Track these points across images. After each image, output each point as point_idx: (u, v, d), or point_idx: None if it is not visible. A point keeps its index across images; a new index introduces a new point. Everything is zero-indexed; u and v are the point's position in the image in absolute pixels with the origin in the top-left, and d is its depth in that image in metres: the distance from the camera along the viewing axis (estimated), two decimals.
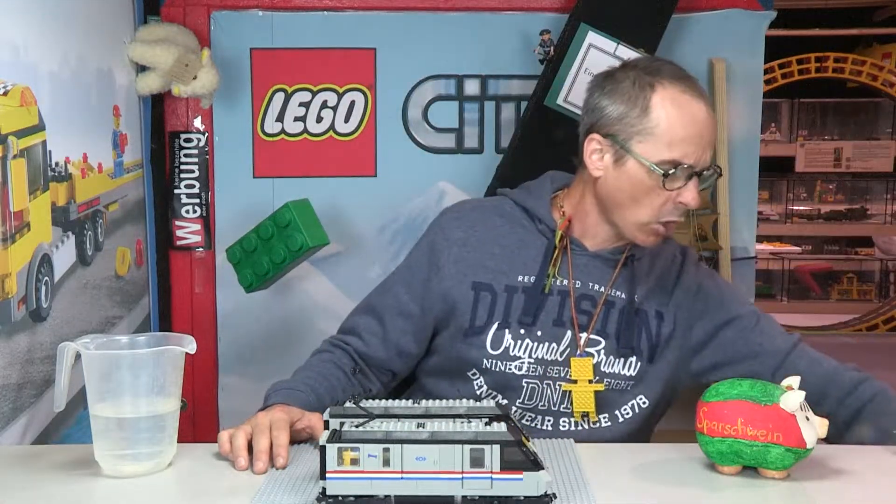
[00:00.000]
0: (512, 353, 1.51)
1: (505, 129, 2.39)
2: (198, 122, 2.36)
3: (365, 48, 2.35)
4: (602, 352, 1.52)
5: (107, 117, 1.96)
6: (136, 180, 2.18)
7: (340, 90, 2.37)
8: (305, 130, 2.38)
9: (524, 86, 2.36)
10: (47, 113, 1.59)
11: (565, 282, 1.53)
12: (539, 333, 1.51)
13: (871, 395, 1.47)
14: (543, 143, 2.21)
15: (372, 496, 1.02)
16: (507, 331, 1.51)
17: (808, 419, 1.15)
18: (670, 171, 1.41)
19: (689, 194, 1.43)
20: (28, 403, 1.48)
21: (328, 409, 1.10)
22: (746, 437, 1.15)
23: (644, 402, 1.53)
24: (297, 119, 2.37)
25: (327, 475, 1.02)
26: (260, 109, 2.36)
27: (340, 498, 1.02)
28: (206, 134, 2.36)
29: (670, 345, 1.55)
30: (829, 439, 1.31)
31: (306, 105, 2.37)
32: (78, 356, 1.21)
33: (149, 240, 2.28)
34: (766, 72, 4.61)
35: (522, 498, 1.01)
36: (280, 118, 2.37)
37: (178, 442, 1.25)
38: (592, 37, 2.19)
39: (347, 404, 1.12)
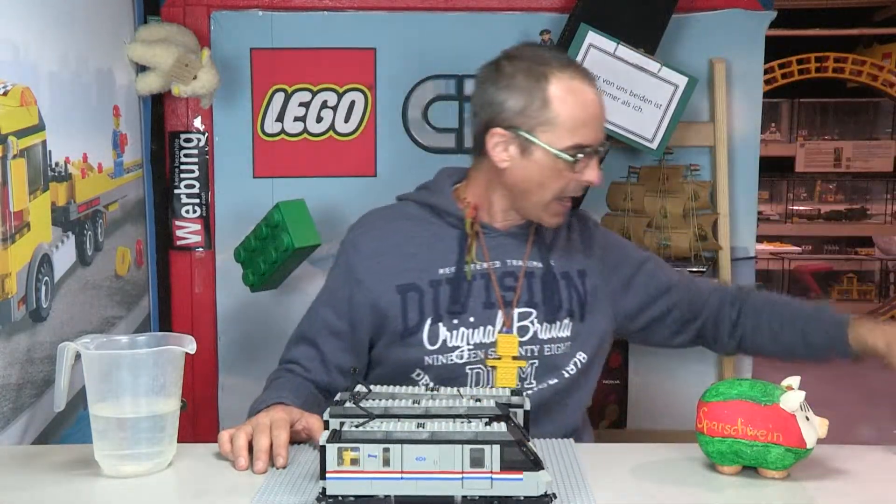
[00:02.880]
0: (450, 345, 1.54)
1: None
2: (198, 122, 2.36)
3: (365, 48, 2.35)
4: (535, 321, 1.56)
5: (107, 117, 1.96)
6: (136, 180, 2.18)
7: (340, 90, 2.37)
8: (305, 130, 2.38)
9: None
10: (47, 113, 1.59)
11: (484, 265, 1.57)
12: (472, 319, 1.55)
13: (749, 290, 1.71)
14: None
15: (372, 496, 1.02)
16: (440, 324, 1.54)
17: (808, 419, 1.15)
18: (578, 156, 1.49)
19: (593, 172, 1.52)
20: (28, 403, 1.48)
21: (328, 409, 1.11)
22: (746, 437, 1.15)
23: (583, 357, 1.59)
24: (297, 119, 2.37)
25: (327, 475, 1.02)
26: (260, 109, 2.36)
27: (340, 498, 1.02)
28: (206, 134, 2.36)
29: (598, 298, 1.62)
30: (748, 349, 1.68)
31: (306, 105, 2.37)
32: (78, 356, 1.21)
33: (149, 240, 2.28)
34: (766, 72, 4.62)
35: (522, 498, 1.01)
36: (280, 118, 2.37)
37: (178, 442, 1.25)
38: (592, 37, 2.19)
39: (347, 404, 1.12)
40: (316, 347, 1.59)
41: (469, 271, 1.56)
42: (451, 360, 1.53)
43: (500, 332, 1.55)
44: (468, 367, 1.54)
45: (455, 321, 1.54)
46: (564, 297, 1.58)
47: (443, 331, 1.54)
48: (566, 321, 1.58)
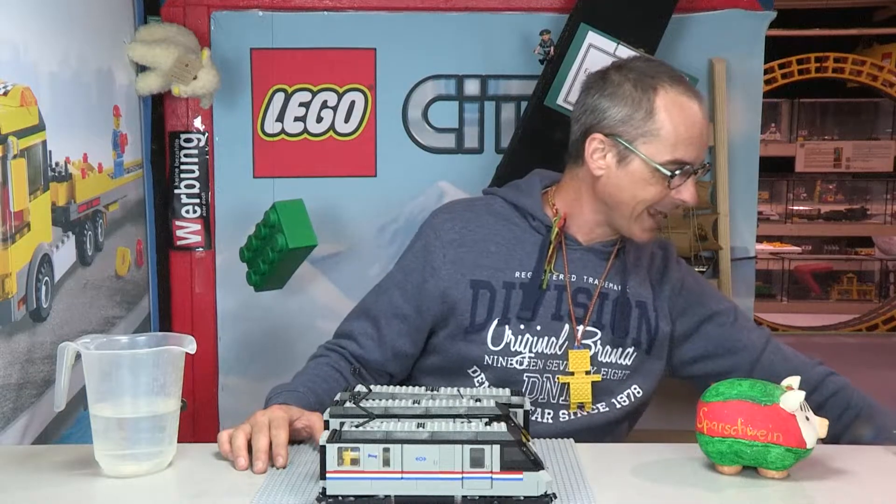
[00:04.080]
0: (513, 349, 1.53)
1: (505, 129, 2.39)
2: (198, 122, 2.36)
3: (365, 48, 2.35)
4: (599, 342, 1.55)
5: (107, 117, 1.96)
6: (136, 180, 2.18)
7: (340, 90, 2.37)
8: (305, 130, 2.38)
9: (524, 86, 2.36)
10: (47, 113, 1.59)
11: (561, 276, 1.56)
12: (538, 328, 1.54)
13: (835, 390, 1.59)
14: (543, 143, 2.21)
15: (372, 496, 1.02)
16: (507, 327, 1.53)
17: (807, 419, 1.15)
18: (676, 172, 1.47)
19: (688, 192, 1.49)
20: (28, 403, 1.48)
21: (328, 409, 1.11)
22: (746, 437, 1.15)
23: (639, 392, 1.58)
24: (297, 119, 2.37)
25: (327, 475, 1.02)
26: (260, 109, 2.36)
27: (340, 498, 1.02)
28: (206, 134, 2.36)
29: (662, 336, 1.60)
30: None
31: (306, 105, 2.37)
32: (78, 356, 1.21)
33: (149, 240, 2.28)
34: (766, 72, 4.62)
35: (522, 498, 1.01)
36: (280, 118, 2.37)
37: (178, 442, 1.24)
38: (592, 37, 2.19)
39: (347, 404, 1.12)
40: (377, 327, 1.58)
41: (546, 280, 1.54)
42: (511, 364, 1.53)
43: (562, 345, 1.53)
44: (526, 374, 1.53)
45: (522, 326, 1.53)
46: (633, 325, 1.56)
47: (508, 334, 1.53)
48: (630, 350, 1.56)
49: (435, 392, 1.20)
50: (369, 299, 1.64)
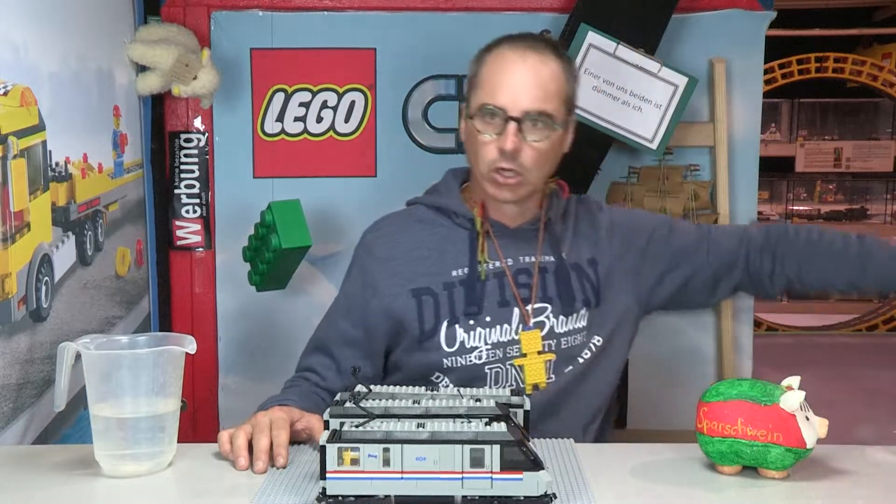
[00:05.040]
0: (468, 346, 1.54)
1: None
2: (198, 122, 2.36)
3: (365, 48, 2.35)
4: (551, 315, 1.56)
5: (107, 117, 1.96)
6: (136, 180, 2.18)
7: (340, 90, 2.37)
8: (305, 130, 2.38)
9: None
10: (47, 113, 1.59)
11: (497, 263, 1.57)
12: (488, 319, 1.54)
13: (778, 235, 1.63)
14: None
15: (372, 496, 1.02)
16: (457, 326, 1.54)
17: (808, 419, 1.15)
18: (481, 114, 1.48)
19: (504, 139, 1.46)
20: (28, 403, 1.48)
21: (328, 409, 1.11)
22: (746, 437, 1.15)
23: (598, 341, 1.58)
24: (297, 119, 2.37)
25: (327, 475, 1.02)
26: (260, 109, 2.36)
27: (340, 498, 1.02)
28: (206, 134, 2.36)
29: (614, 280, 1.60)
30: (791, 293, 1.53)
31: (306, 105, 2.37)
32: (78, 356, 1.21)
33: (149, 240, 2.28)
34: (766, 72, 4.62)
35: (522, 498, 1.01)
36: (280, 118, 2.37)
37: (178, 442, 1.25)
38: (592, 37, 2.19)
39: (347, 404, 1.12)
40: (332, 357, 1.59)
41: (483, 271, 1.56)
42: (471, 360, 1.53)
43: (516, 329, 1.54)
44: (487, 367, 1.53)
45: (471, 322, 1.54)
46: (577, 288, 1.58)
47: (460, 332, 1.53)
48: (582, 311, 1.57)
49: (435, 392, 1.21)
50: (319, 332, 1.64)
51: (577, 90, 1.58)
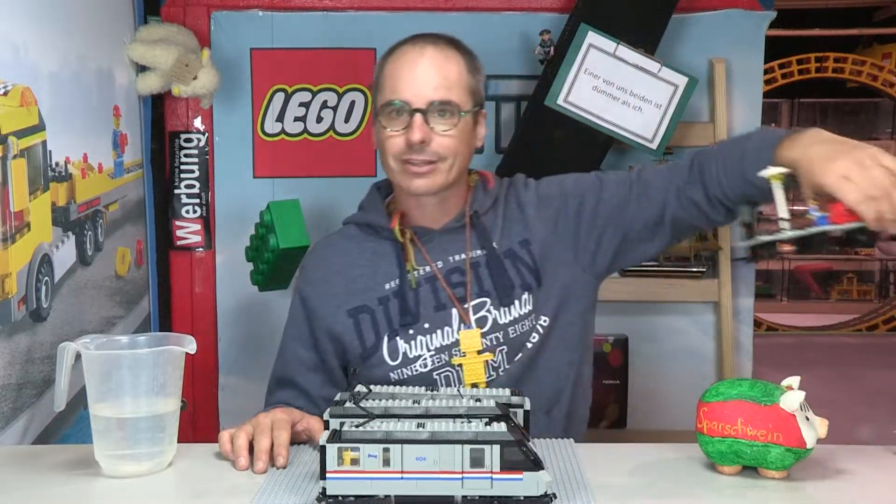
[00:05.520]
0: (412, 356, 1.52)
1: (505, 129, 2.39)
2: (198, 122, 2.36)
3: (365, 48, 2.35)
4: (492, 308, 1.54)
5: (107, 117, 1.96)
6: (136, 180, 2.18)
7: (340, 90, 2.37)
8: (305, 130, 2.38)
9: (524, 86, 2.36)
10: (47, 113, 1.59)
11: (427, 268, 1.55)
12: (427, 325, 1.53)
13: (699, 156, 1.52)
14: (543, 143, 2.21)
15: (372, 496, 1.02)
16: (397, 338, 1.52)
17: (808, 419, 1.15)
18: (386, 112, 1.48)
19: (411, 131, 1.46)
20: (28, 403, 1.48)
21: (328, 409, 1.11)
22: (746, 437, 1.15)
23: (545, 321, 1.55)
24: (297, 119, 2.37)
25: (327, 475, 1.02)
26: (260, 109, 2.36)
27: (340, 498, 1.02)
28: (206, 134, 2.36)
29: (552, 255, 1.56)
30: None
31: (306, 105, 2.37)
32: (78, 356, 1.21)
33: (149, 240, 2.28)
34: (766, 72, 4.62)
35: (522, 498, 1.01)
36: (280, 118, 2.37)
37: (178, 442, 1.24)
38: (592, 37, 2.19)
39: (347, 404, 1.12)
40: (296, 387, 1.58)
41: (413, 279, 1.54)
42: (416, 370, 1.52)
43: (458, 329, 1.53)
44: (435, 372, 1.52)
45: (411, 331, 1.52)
46: (513, 274, 1.55)
47: (401, 344, 1.52)
48: (524, 296, 1.54)
49: (435, 392, 1.20)
50: (277, 367, 1.63)
51: (483, 86, 1.56)
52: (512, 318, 1.54)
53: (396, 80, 1.48)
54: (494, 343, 1.52)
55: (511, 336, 1.53)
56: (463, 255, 1.56)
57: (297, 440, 1.31)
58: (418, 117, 1.46)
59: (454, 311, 1.53)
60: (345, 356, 1.57)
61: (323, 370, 1.58)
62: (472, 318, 1.53)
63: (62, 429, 1.60)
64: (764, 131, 1.51)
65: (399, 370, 1.52)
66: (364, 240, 1.60)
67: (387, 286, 1.55)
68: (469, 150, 1.54)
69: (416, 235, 1.56)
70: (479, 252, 1.56)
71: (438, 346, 1.52)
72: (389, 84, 1.49)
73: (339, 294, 1.57)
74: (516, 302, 1.54)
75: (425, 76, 1.47)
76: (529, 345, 1.54)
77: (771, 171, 1.16)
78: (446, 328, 1.53)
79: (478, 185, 1.59)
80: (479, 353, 1.52)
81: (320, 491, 1.02)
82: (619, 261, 1.61)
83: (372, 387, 1.20)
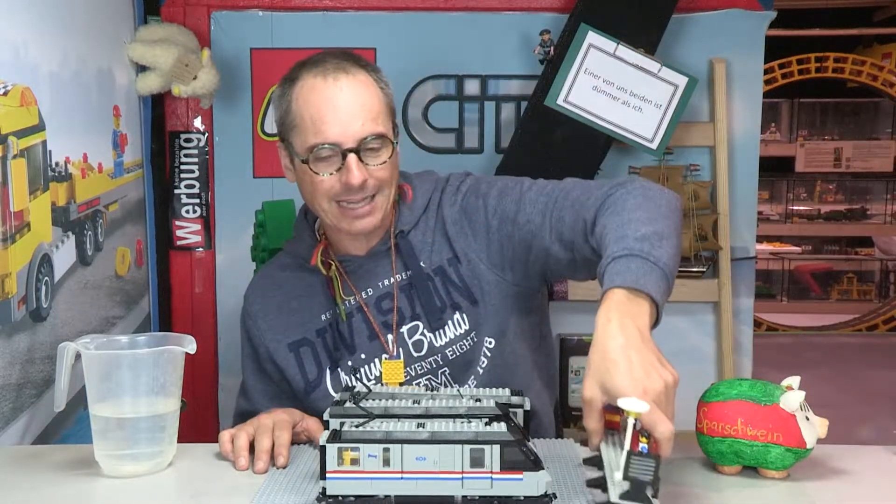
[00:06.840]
0: (354, 386, 1.49)
1: (505, 129, 2.39)
2: (198, 122, 2.36)
3: (365, 48, 2.35)
4: (426, 331, 1.49)
5: (107, 117, 1.96)
6: (136, 180, 2.18)
7: None
8: None
9: (524, 86, 2.36)
10: (47, 113, 1.59)
11: (355, 298, 1.51)
12: (363, 356, 1.50)
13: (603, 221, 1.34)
14: (543, 143, 2.21)
15: (372, 496, 1.02)
16: (339, 370, 1.50)
17: (808, 419, 1.15)
18: (314, 157, 1.40)
19: (347, 173, 1.39)
20: (28, 403, 1.48)
21: (328, 409, 1.11)
22: (746, 437, 1.15)
23: (490, 343, 1.49)
24: None
25: (327, 475, 1.02)
26: (260, 109, 2.36)
27: (340, 498, 1.02)
28: (206, 134, 2.36)
29: (480, 271, 1.49)
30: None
31: None
32: (78, 356, 1.21)
33: (149, 240, 2.28)
34: (766, 72, 4.62)
35: (522, 498, 1.01)
36: None
37: (178, 442, 1.25)
38: (592, 37, 2.19)
39: (347, 404, 1.12)
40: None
41: (342, 311, 1.50)
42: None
43: (395, 356, 1.49)
44: None
45: (350, 363, 1.50)
46: (443, 294, 1.49)
47: (342, 376, 1.49)
48: (455, 316, 1.48)
49: (435, 392, 1.20)
50: (242, 403, 1.61)
51: (392, 93, 1.49)
52: (448, 340, 1.49)
53: (318, 121, 1.39)
54: (434, 366, 1.48)
55: (451, 358, 1.48)
56: (390, 280, 1.51)
57: (296, 441, 1.31)
58: (352, 158, 1.39)
59: (389, 337, 1.49)
60: (290, 385, 1.54)
61: (282, 398, 1.54)
62: (410, 341, 1.49)
63: (62, 429, 1.60)
64: (642, 248, 1.23)
65: None
66: (297, 269, 1.57)
67: (322, 317, 1.52)
68: (398, 170, 1.50)
69: (343, 265, 1.52)
70: (406, 274, 1.50)
71: (377, 374, 1.49)
72: (311, 126, 1.40)
73: (277, 328, 1.54)
74: (449, 322, 1.49)
75: (349, 113, 1.39)
76: (480, 369, 1.49)
77: (631, 408, 1.05)
78: (383, 355, 1.49)
79: (401, 202, 1.53)
80: (401, 384, 1.46)
81: (320, 491, 1.02)
82: (550, 277, 1.53)
83: (372, 386, 1.20)
